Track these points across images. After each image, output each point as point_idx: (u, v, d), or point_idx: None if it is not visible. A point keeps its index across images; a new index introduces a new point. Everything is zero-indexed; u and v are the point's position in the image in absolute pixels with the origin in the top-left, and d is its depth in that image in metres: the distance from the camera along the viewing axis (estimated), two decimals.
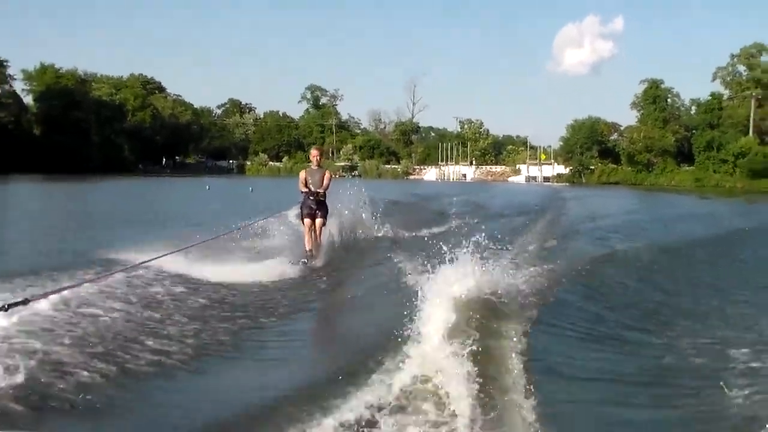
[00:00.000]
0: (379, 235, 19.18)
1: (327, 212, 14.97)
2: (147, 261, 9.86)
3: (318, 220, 14.66)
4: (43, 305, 7.69)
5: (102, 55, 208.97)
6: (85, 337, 7.37)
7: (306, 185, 14.73)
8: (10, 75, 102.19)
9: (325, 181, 14.81)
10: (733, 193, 73.66)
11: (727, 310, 10.05)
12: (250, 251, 14.65)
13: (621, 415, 6.02)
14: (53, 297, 7.58)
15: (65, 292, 8.01)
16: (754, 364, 6.85)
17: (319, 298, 11.45)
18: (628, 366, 7.26)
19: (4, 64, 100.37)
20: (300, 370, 7.20)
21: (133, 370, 6.63)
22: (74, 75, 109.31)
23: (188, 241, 12.58)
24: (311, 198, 14.61)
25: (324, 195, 14.85)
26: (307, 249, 14.46)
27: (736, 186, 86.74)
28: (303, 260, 13.97)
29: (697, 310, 10.23)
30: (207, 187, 56.71)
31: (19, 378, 5.99)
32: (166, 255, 10.33)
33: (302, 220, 14.82)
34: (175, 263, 11.64)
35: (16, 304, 5.79)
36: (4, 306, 5.61)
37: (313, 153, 15.73)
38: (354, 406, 5.38)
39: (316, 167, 15.07)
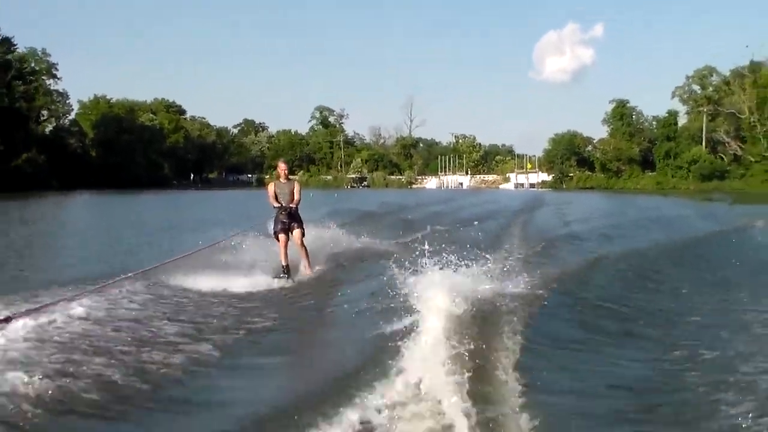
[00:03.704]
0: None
1: (302, 222, 14.30)
2: (110, 283, 10.25)
3: (296, 232, 14.03)
4: (19, 323, 7.53)
5: (124, 80, 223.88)
6: (66, 352, 7.14)
7: (276, 200, 14.16)
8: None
9: (296, 195, 14.21)
10: (687, 193, 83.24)
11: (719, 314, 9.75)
12: (228, 265, 14.00)
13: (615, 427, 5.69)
14: (34, 313, 7.62)
15: (50, 306, 8.21)
16: (749, 377, 6.39)
17: (296, 312, 10.87)
18: (625, 375, 6.90)
19: (66, 95, 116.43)
20: (281, 385, 6.96)
21: (96, 387, 6.27)
22: (124, 104, 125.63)
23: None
24: (283, 212, 14.02)
25: (296, 208, 14.25)
26: (283, 264, 13.71)
27: (689, 188, 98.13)
28: (280, 275, 13.47)
29: (680, 312, 9.96)
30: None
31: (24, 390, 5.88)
32: (136, 273, 10.75)
33: (276, 236, 14.06)
34: (149, 278, 11.89)
35: None
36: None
37: (281, 167, 14.64)
38: (341, 419, 5.18)
39: (285, 180, 14.38)
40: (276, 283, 13.13)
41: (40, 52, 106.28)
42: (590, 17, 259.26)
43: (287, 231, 13.99)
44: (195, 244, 15.10)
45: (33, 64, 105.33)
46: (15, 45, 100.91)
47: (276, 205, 14.16)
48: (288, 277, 13.60)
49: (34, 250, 21.00)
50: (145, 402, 6.17)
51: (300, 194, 14.37)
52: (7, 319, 6.14)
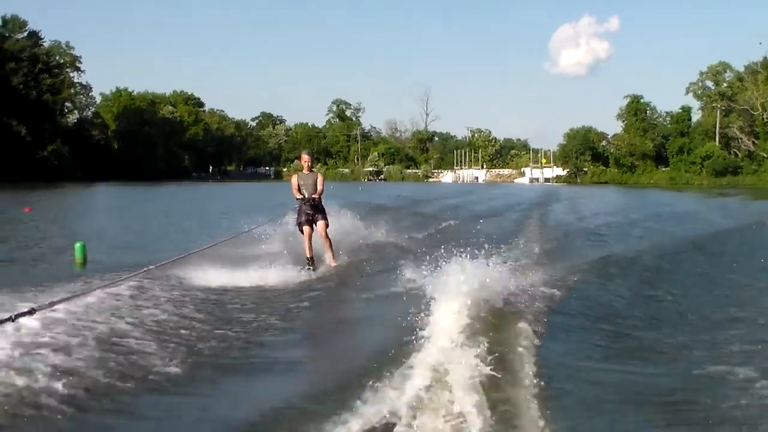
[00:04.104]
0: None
1: (325, 214, 14.28)
2: (136, 273, 9.93)
3: (320, 223, 13.98)
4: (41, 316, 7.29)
5: (143, 72, 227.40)
6: (83, 345, 7.15)
7: (300, 191, 14.07)
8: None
9: (319, 186, 14.11)
10: (701, 189, 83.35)
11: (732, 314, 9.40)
12: (254, 257, 14.15)
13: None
14: (51, 309, 7.26)
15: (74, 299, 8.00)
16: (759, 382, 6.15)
17: (320, 305, 10.66)
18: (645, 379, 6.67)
19: (89, 88, 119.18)
20: (303, 379, 6.90)
21: (122, 381, 6.34)
22: (145, 97, 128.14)
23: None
24: (307, 204, 13.95)
25: (319, 199, 14.13)
26: (308, 256, 13.75)
27: (702, 183, 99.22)
28: (306, 267, 13.48)
29: (709, 314, 9.57)
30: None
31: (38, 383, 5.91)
32: (164, 263, 10.46)
33: (300, 228, 14.03)
34: (177, 269, 11.85)
35: (22, 314, 6.00)
36: (11, 317, 5.77)
37: (305, 158, 14.75)
38: (361, 414, 5.16)
39: (308, 172, 14.34)
40: (301, 275, 13.06)
41: (64, 45, 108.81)
42: (606, 10, 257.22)
43: (311, 223, 13.99)
44: (255, 225, 15.87)
45: (58, 57, 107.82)
46: (42, 39, 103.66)
47: (299, 196, 14.11)
48: (313, 269, 13.61)
49: (163, 230, 24.30)
50: (152, 397, 6.21)
51: (323, 185, 14.30)
52: (31, 311, 6.03)
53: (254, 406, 5.99)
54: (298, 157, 15.89)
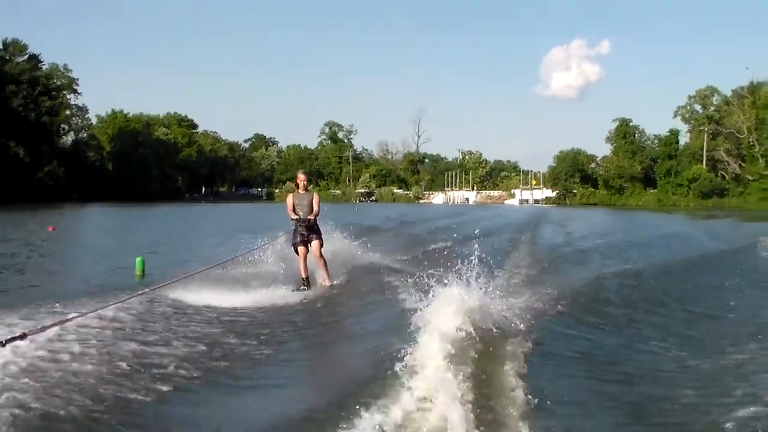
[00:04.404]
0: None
1: (320, 234, 14.21)
2: (131, 297, 9.92)
3: (314, 243, 13.89)
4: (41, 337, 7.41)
5: (135, 94, 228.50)
6: (85, 363, 7.25)
7: (295, 211, 14.02)
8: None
9: (315, 207, 14.07)
10: (687, 210, 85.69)
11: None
12: (248, 277, 14.21)
13: None
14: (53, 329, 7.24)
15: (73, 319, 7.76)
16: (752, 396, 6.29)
17: (316, 325, 10.72)
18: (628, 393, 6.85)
19: (85, 109, 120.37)
20: (294, 399, 6.90)
21: (121, 400, 6.35)
22: (140, 119, 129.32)
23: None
24: (302, 225, 13.92)
25: (315, 220, 14.11)
26: (303, 276, 13.73)
27: (689, 205, 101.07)
28: (300, 288, 13.49)
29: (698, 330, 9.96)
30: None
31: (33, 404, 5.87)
32: (163, 285, 10.70)
33: (295, 249, 14.00)
34: (171, 290, 11.74)
35: (14, 339, 5.82)
36: (2, 342, 5.59)
37: (300, 177, 14.55)
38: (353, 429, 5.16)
39: (303, 191, 14.27)
40: (295, 296, 13.04)
41: (61, 68, 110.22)
42: (597, 34, 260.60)
43: (306, 243, 13.96)
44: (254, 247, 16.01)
45: (55, 80, 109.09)
46: (42, 62, 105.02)
47: (294, 217, 14.09)
48: (308, 289, 13.61)
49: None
50: (152, 415, 6.25)
51: (319, 206, 14.26)
52: (23, 336, 5.89)
53: (243, 425, 6.14)
54: (295, 177, 15.54)
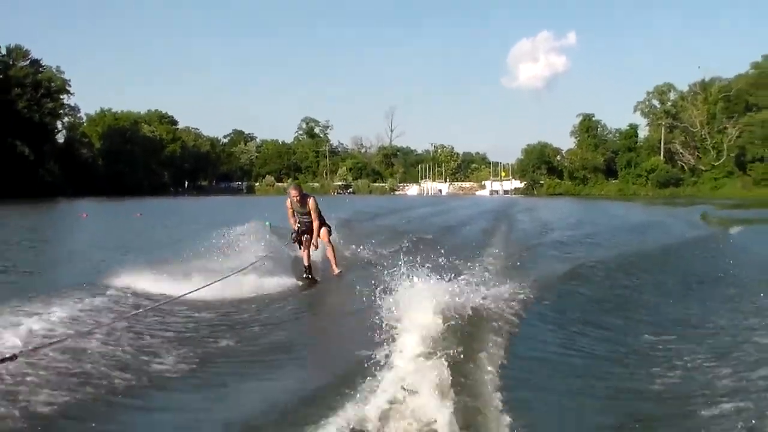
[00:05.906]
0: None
1: (327, 224, 14.17)
2: (162, 303, 10.05)
3: (323, 230, 13.83)
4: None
5: (117, 91, 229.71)
6: (93, 354, 7.37)
7: (294, 219, 13.97)
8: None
9: (315, 219, 13.88)
10: (647, 199, 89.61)
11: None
12: (255, 270, 13.45)
13: None
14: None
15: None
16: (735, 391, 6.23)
17: (317, 311, 11.09)
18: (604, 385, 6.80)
19: (77, 109, 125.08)
20: (284, 387, 6.79)
21: (120, 389, 6.49)
22: (128, 117, 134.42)
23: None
24: (304, 228, 13.87)
25: (319, 222, 13.96)
26: (305, 265, 13.57)
27: (648, 194, 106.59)
28: (304, 276, 13.46)
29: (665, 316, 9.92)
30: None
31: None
32: (191, 292, 10.24)
33: (299, 240, 13.88)
34: (178, 284, 11.51)
35: (4, 360, 5.71)
36: None
37: (293, 193, 13.89)
38: (334, 423, 5.12)
39: (299, 206, 13.90)
40: (299, 284, 13.31)
41: (54, 70, 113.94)
42: (563, 25, 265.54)
43: (308, 232, 13.92)
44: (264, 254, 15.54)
45: (53, 82, 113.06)
46: (43, 66, 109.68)
47: (295, 227, 14.04)
48: (310, 278, 13.63)
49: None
50: (145, 405, 6.38)
51: (317, 212, 14.05)
52: (13, 357, 5.78)
53: (234, 410, 6.20)
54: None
